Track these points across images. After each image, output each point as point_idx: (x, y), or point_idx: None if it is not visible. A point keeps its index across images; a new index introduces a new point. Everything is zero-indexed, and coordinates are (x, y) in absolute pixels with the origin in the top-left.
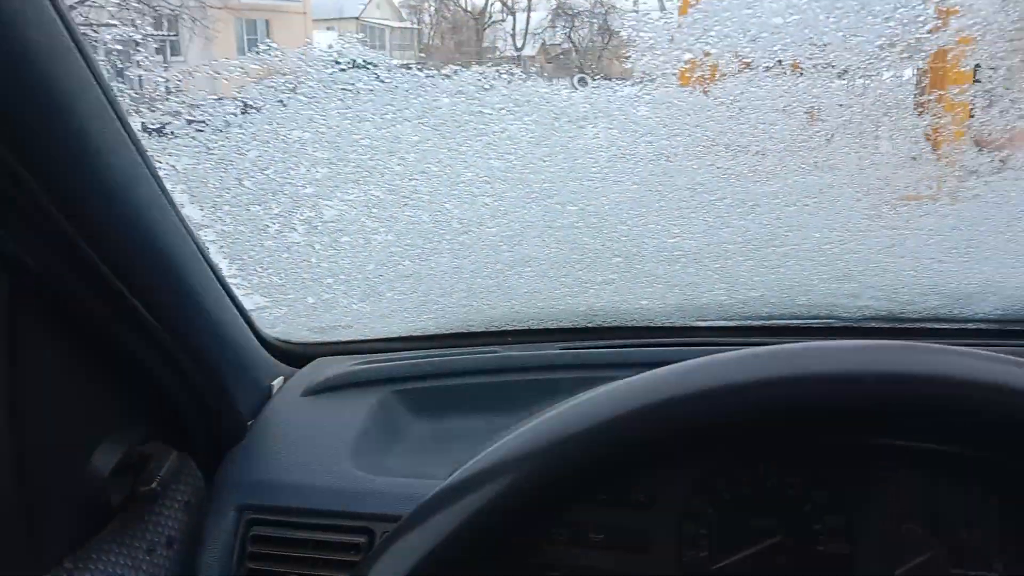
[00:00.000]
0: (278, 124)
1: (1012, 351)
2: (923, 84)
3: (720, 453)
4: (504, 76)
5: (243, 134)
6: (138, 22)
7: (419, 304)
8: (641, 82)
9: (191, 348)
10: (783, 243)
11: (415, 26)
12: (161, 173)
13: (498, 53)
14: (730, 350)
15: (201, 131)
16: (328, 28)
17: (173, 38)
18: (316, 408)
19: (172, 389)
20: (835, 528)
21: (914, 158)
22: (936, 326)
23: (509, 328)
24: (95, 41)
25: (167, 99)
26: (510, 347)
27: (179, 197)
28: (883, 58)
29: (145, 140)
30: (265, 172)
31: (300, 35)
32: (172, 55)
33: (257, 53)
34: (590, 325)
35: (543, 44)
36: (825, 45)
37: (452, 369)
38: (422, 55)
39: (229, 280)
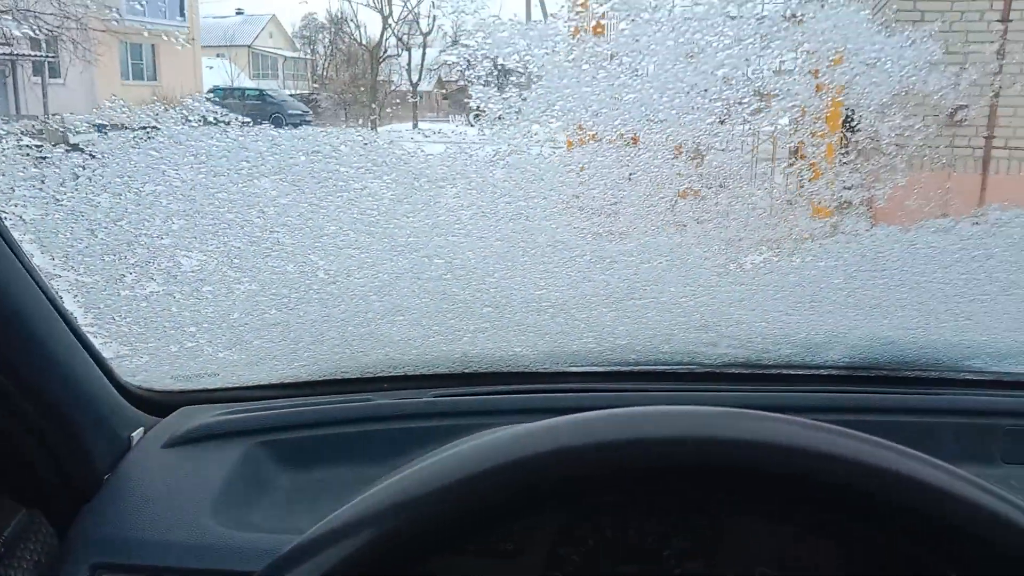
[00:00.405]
0: (130, 177)
1: (860, 396)
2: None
3: (585, 505)
4: (360, 137)
5: (93, 186)
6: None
7: (289, 352)
8: (495, 149)
9: (40, 399)
10: (642, 296)
11: (308, 56)
12: (8, 223)
13: (393, 87)
14: (600, 394)
15: (45, 181)
16: (218, 55)
17: (52, 59)
18: (178, 460)
19: (21, 442)
20: (694, 574)
21: (755, 221)
22: (790, 372)
23: (385, 375)
24: None
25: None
26: (385, 394)
27: (28, 247)
28: (715, 133)
29: None
30: (119, 224)
31: (188, 61)
32: (51, 77)
33: (102, 108)
34: (466, 371)
35: (439, 79)
36: (662, 121)
37: (321, 419)
38: (316, 86)
39: (86, 329)
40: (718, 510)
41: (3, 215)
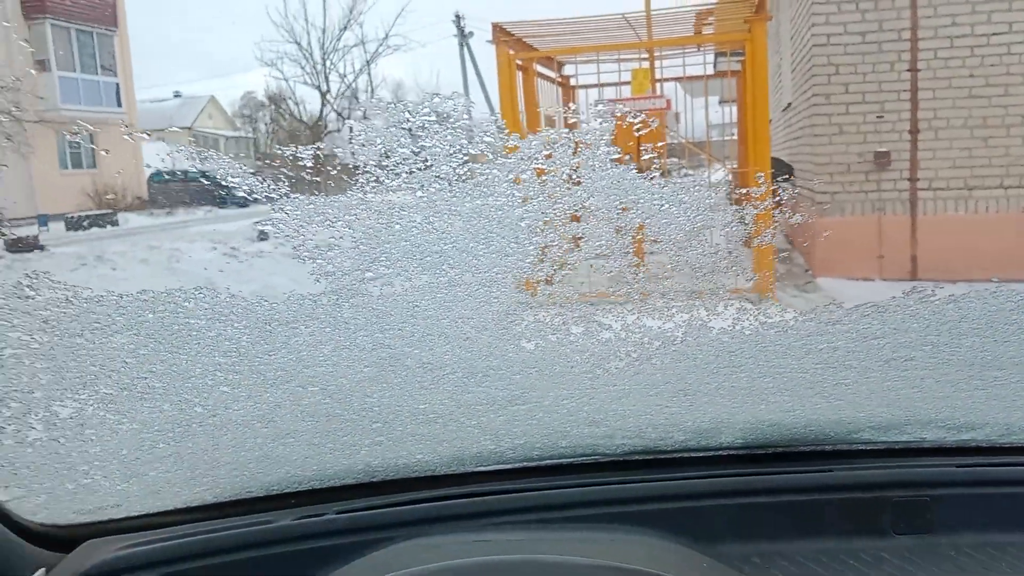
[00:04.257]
0: None
1: (755, 478)
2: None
3: None
4: (202, 294)
5: None
6: None
7: (187, 478)
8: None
9: None
10: (524, 401)
11: (250, 135)
12: None
13: (338, 160)
14: (505, 496)
15: None
16: (158, 139)
17: None
18: None
19: None
20: None
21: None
22: (689, 455)
23: (290, 491)
24: None
25: None
26: (290, 511)
27: None
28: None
29: None
30: None
31: (127, 147)
32: None
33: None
34: (373, 480)
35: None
36: (481, 263)
37: (223, 545)
38: (259, 163)
39: None
40: None
41: None
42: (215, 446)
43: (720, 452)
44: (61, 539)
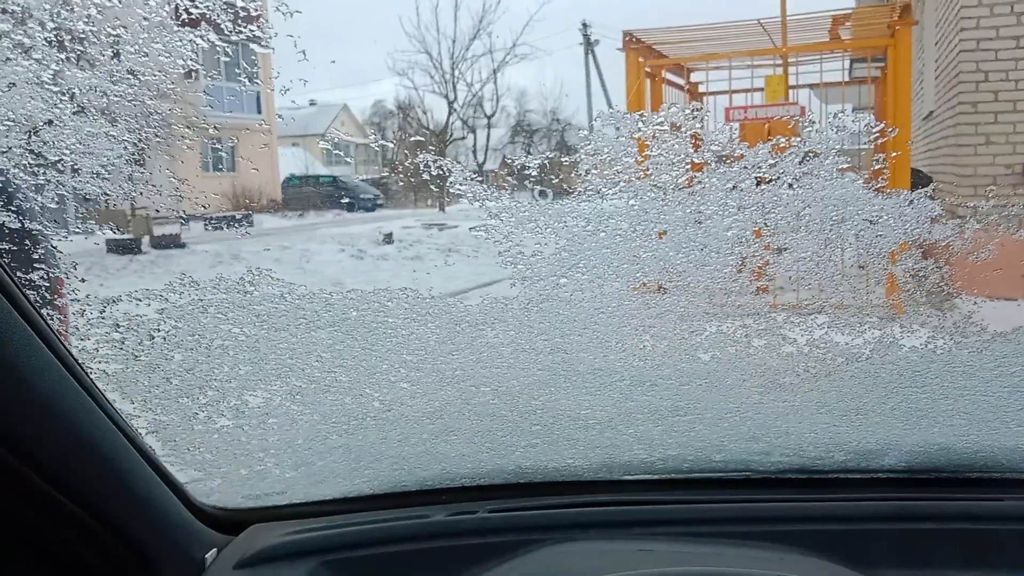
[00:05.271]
0: (200, 335)
1: (919, 503)
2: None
3: None
4: (405, 294)
5: (167, 344)
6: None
7: (351, 470)
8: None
9: (118, 530)
10: (687, 413)
11: (380, 142)
12: (92, 377)
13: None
14: (655, 507)
15: (125, 342)
16: (293, 144)
17: (137, 155)
18: None
19: (99, 572)
20: None
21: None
22: (848, 477)
23: (442, 487)
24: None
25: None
26: (442, 507)
27: (111, 395)
28: (734, 279)
29: (76, 351)
30: (191, 372)
31: (265, 152)
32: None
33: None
34: (521, 481)
35: (504, 159)
36: (680, 272)
37: (381, 537)
38: (385, 170)
39: (163, 459)
40: None
41: (90, 371)
42: (383, 440)
43: (880, 475)
44: (228, 521)
